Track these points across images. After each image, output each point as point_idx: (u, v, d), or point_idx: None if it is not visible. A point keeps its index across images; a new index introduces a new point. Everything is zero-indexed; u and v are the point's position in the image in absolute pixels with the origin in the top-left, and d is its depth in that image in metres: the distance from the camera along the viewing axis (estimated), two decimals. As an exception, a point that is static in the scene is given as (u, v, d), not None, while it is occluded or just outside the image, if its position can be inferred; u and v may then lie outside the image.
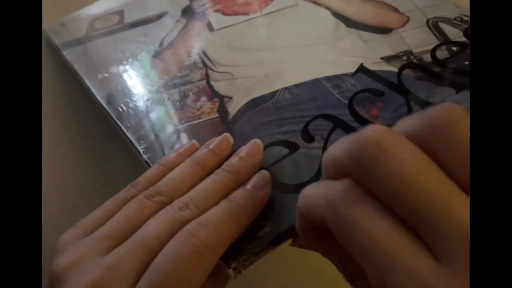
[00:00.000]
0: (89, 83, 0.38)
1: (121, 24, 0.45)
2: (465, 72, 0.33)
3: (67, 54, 0.43)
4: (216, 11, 0.43)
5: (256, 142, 0.29)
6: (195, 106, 0.34)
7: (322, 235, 0.19)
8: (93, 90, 0.38)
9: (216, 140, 0.29)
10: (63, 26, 0.46)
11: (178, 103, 0.35)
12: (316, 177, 0.28)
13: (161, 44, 0.41)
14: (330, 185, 0.17)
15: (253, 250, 0.25)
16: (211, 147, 0.29)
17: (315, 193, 0.18)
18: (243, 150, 0.28)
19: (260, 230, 0.26)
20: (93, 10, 0.47)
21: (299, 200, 0.20)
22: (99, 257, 0.24)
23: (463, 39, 0.35)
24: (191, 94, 0.35)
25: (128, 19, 0.46)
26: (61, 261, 0.24)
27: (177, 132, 0.33)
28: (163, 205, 0.26)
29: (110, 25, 0.45)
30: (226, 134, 0.30)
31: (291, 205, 0.27)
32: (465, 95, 0.31)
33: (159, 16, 0.45)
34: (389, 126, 0.30)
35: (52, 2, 0.46)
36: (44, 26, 0.46)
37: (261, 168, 0.28)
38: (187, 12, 0.44)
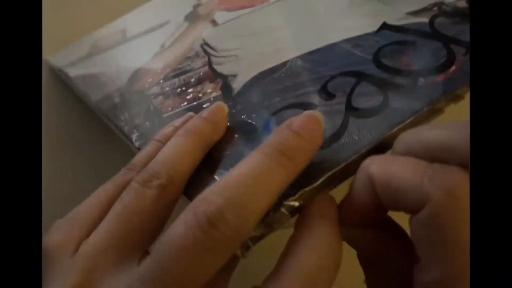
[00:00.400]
0: (84, 87, 0.34)
1: (123, 39, 0.43)
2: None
3: (68, 72, 0.40)
4: (221, 10, 0.40)
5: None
6: (196, 90, 0.30)
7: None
8: (88, 92, 0.34)
9: (209, 108, 0.24)
10: (65, 51, 0.44)
11: (177, 90, 0.30)
12: (339, 133, 0.22)
13: (162, 45, 0.38)
14: (445, 169, 0.16)
15: (263, 219, 0.19)
16: (204, 115, 0.24)
17: (407, 170, 0.16)
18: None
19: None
20: (96, 34, 0.45)
21: (371, 167, 0.17)
22: (110, 275, 0.18)
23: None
24: (192, 80, 0.31)
25: (130, 33, 0.43)
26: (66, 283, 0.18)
27: (175, 115, 0.28)
28: (164, 191, 0.20)
29: (112, 41, 0.43)
30: (219, 102, 0.25)
31: (308, 165, 0.21)
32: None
33: (161, 25, 0.42)
34: (423, 71, 0.24)
35: (55, 34, 0.44)
36: (47, 57, 0.43)
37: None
38: (190, 17, 0.41)
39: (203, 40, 0.36)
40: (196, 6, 0.42)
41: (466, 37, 0.26)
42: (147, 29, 0.42)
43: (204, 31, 0.37)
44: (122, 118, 0.30)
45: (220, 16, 0.39)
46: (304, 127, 0.20)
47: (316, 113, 0.21)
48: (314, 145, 0.20)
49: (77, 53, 0.42)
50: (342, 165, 0.21)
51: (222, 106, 0.24)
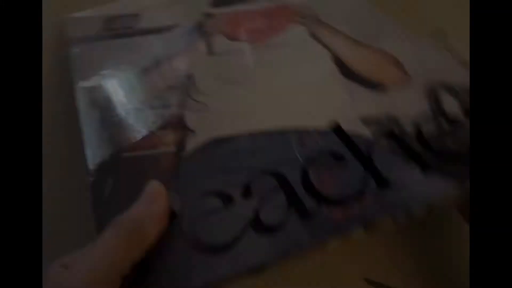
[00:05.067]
0: (76, 84, 0.38)
1: (132, 28, 0.46)
2: (450, 157, 0.29)
3: (74, 50, 0.43)
4: (222, 32, 0.42)
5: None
6: (157, 136, 0.34)
7: None
8: (78, 93, 0.38)
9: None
10: (78, 20, 0.47)
11: (145, 129, 0.34)
12: (236, 241, 0.26)
13: (157, 60, 0.41)
14: None
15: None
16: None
17: None
18: None
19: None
20: (111, 9, 0.48)
21: None
22: None
23: (460, 117, 0.32)
24: (161, 121, 0.34)
25: (141, 25, 0.46)
26: None
27: (131, 161, 0.32)
28: None
29: (122, 27, 0.46)
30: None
31: (201, 266, 0.25)
32: (433, 178, 0.28)
33: (169, 28, 0.45)
34: (335, 200, 0.28)
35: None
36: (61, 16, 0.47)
37: (189, 218, 0.27)
38: (196, 31, 0.43)
39: (191, 69, 0.39)
40: (206, 17, 0.44)
41: (386, 171, 0.29)
42: (155, 28, 0.45)
43: (198, 58, 0.40)
44: (89, 129, 0.34)
45: (218, 42, 0.41)
46: None
47: None
48: None
49: (87, 27, 0.46)
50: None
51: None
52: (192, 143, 0.33)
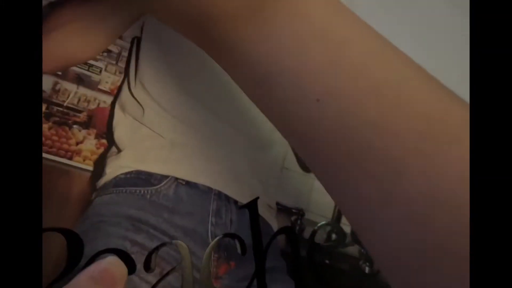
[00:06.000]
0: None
1: None
2: (319, 273, 0.34)
3: None
4: None
5: None
6: (75, 134, 0.29)
7: None
8: None
9: None
10: None
11: (60, 113, 0.28)
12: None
13: None
14: None
15: None
16: None
17: None
18: None
19: None
20: None
21: None
22: None
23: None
24: (82, 114, 0.29)
25: None
26: None
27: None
28: None
29: None
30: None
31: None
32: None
33: None
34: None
35: None
36: None
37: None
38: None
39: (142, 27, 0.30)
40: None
41: (268, 278, 0.32)
42: None
43: None
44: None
45: None
46: None
47: None
48: None
49: None
50: None
51: None
52: (113, 167, 0.29)
